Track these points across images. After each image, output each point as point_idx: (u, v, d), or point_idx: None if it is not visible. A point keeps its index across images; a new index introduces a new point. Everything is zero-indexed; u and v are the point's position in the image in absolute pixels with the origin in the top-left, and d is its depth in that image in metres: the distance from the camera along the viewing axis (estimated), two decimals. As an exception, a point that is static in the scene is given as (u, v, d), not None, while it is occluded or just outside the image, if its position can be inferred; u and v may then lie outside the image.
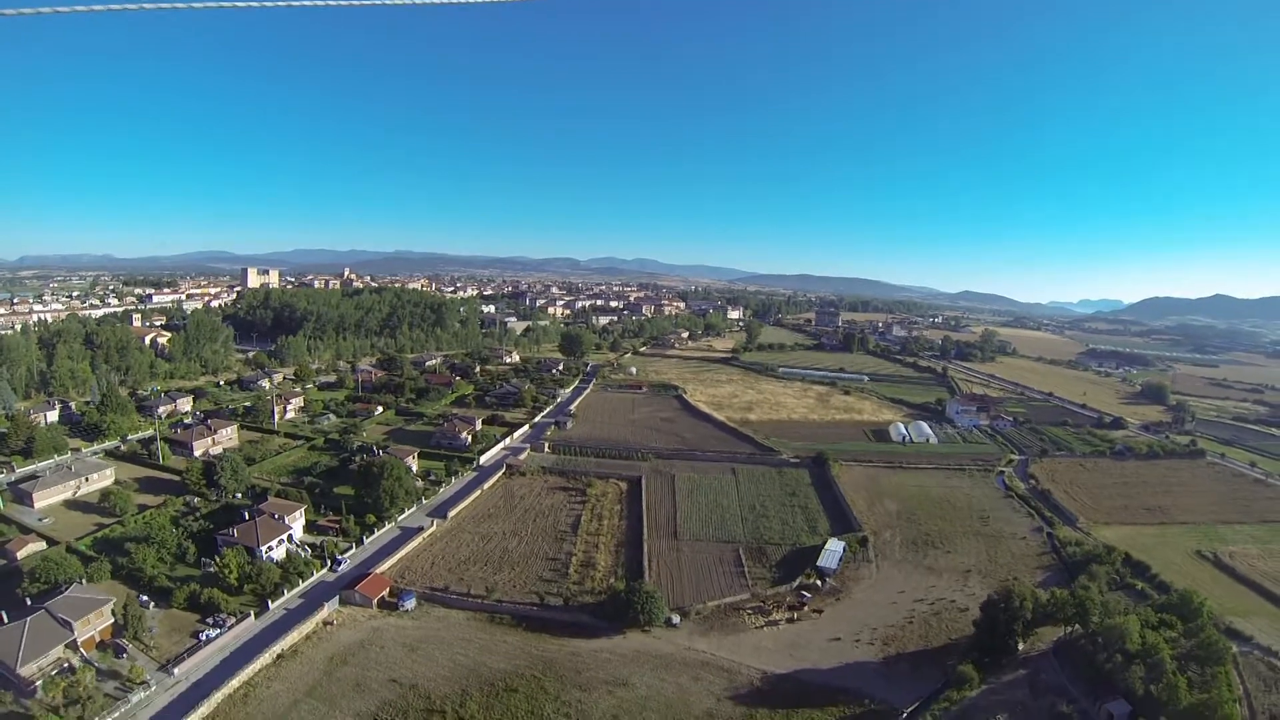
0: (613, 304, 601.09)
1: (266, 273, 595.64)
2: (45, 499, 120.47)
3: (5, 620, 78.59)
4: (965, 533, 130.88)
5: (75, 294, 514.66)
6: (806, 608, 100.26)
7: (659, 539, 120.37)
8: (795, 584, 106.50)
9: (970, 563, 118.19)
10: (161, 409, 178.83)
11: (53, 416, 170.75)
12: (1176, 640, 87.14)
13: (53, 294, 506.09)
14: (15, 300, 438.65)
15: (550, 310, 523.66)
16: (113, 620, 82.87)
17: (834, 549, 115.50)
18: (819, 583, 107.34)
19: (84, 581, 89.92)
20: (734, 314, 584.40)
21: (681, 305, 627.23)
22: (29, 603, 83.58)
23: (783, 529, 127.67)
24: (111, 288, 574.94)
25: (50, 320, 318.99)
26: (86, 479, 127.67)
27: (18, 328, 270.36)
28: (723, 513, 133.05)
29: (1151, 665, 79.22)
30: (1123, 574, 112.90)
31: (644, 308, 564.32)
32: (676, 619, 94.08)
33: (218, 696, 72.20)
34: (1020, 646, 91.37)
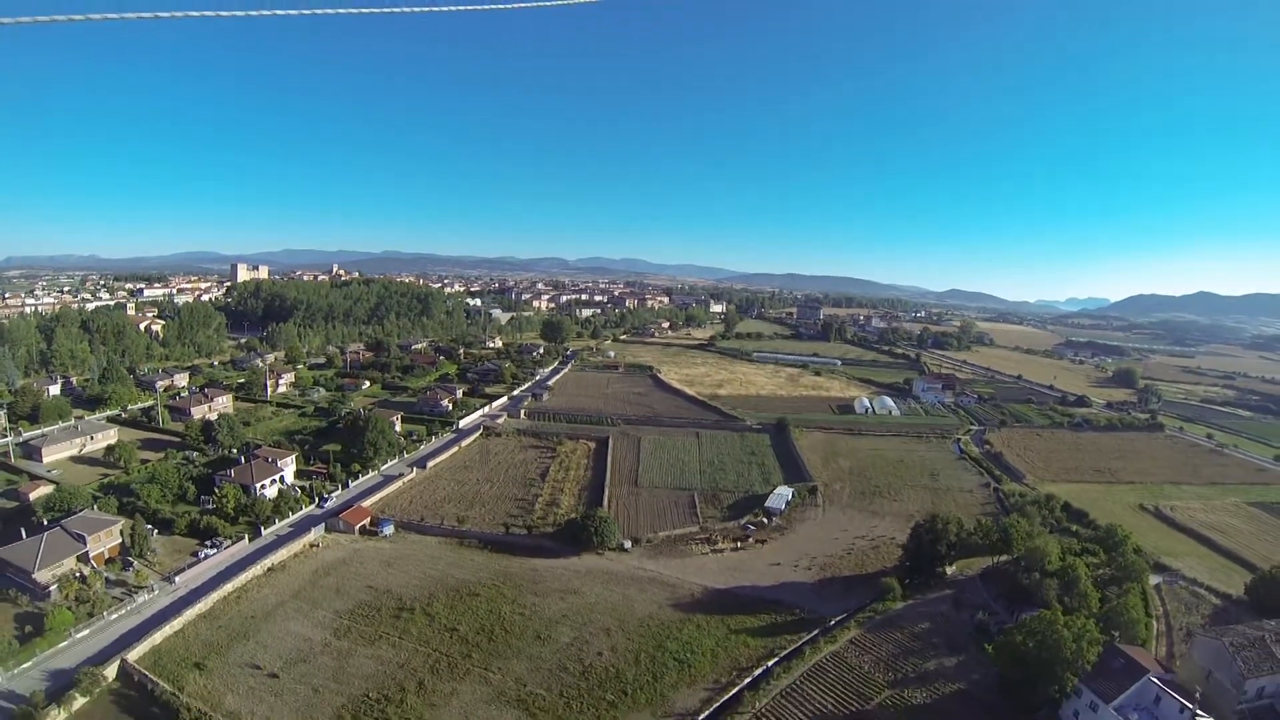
0: (597, 298, 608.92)
1: (256, 268, 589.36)
2: (53, 454, 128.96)
3: (25, 536, 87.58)
4: (914, 486, 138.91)
5: (66, 289, 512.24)
6: (751, 539, 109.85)
7: (620, 486, 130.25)
8: (743, 520, 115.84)
9: (914, 509, 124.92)
10: (160, 383, 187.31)
11: (55, 390, 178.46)
12: (1099, 566, 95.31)
13: (43, 289, 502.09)
14: (7, 295, 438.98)
15: (535, 303, 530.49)
16: (120, 540, 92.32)
17: (782, 493, 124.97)
18: (765, 520, 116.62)
19: (95, 509, 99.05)
20: (717, 308, 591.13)
21: (665, 300, 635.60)
22: (45, 523, 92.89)
23: (738, 480, 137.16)
24: (103, 283, 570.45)
25: (45, 311, 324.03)
26: (92, 438, 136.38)
27: (16, 314, 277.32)
28: (682, 467, 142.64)
29: (1068, 581, 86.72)
30: (1060, 519, 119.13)
31: (627, 301, 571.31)
32: (629, 544, 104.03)
33: (214, 597, 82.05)
34: (949, 571, 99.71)
